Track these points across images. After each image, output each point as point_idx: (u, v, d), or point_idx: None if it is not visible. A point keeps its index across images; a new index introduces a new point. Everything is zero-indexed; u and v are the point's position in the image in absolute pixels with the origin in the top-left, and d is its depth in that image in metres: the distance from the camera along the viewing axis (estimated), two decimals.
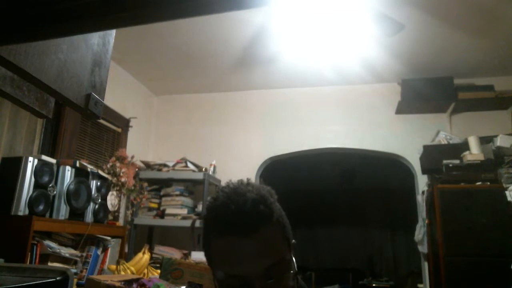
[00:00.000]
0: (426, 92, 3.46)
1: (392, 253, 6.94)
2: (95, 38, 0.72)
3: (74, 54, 0.66)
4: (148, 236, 3.79)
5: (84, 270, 2.44)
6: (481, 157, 2.95)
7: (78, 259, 2.35)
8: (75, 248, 2.42)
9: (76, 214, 2.46)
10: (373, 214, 7.06)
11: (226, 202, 0.72)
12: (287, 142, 3.92)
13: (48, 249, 2.16)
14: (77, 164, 2.49)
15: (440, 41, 3.04)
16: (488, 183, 2.86)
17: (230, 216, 0.70)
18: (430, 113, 3.65)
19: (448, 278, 2.71)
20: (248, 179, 0.79)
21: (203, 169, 3.59)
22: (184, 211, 3.47)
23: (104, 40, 0.75)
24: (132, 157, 3.47)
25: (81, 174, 2.51)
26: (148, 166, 3.71)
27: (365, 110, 3.82)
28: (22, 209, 2.09)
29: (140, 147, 3.96)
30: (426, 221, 3.11)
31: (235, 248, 0.69)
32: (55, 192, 2.31)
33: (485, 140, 3.12)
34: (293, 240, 0.79)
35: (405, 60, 3.34)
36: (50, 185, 2.27)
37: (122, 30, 0.69)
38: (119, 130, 3.67)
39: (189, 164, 3.61)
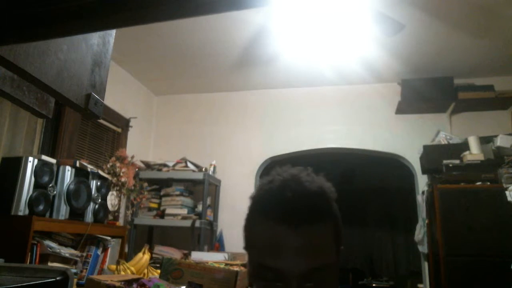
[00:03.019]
0: (426, 92, 3.46)
1: (392, 253, 6.94)
2: (95, 38, 0.72)
3: (74, 54, 0.66)
4: (148, 236, 3.79)
5: (84, 270, 2.44)
6: (481, 157, 2.95)
7: (78, 259, 2.35)
8: (75, 248, 2.42)
9: (76, 214, 2.46)
10: (373, 214, 7.06)
11: (283, 187, 0.65)
12: (287, 142, 3.92)
13: (48, 249, 2.16)
14: (77, 164, 2.49)
15: (440, 41, 3.04)
16: (488, 183, 2.86)
17: (284, 203, 0.63)
18: (430, 113, 3.65)
19: (448, 278, 2.71)
20: (308, 168, 0.71)
21: (203, 169, 3.59)
22: (184, 211, 3.47)
23: (104, 40, 0.75)
24: (132, 157, 3.47)
25: (81, 174, 2.51)
26: (148, 166, 3.71)
27: (365, 110, 3.82)
28: (22, 209, 2.09)
29: (140, 147, 3.96)
30: (426, 221, 3.11)
31: (281, 239, 0.61)
32: (55, 192, 2.31)
33: (485, 140, 3.12)
34: (342, 246, 0.71)
35: (405, 60, 3.34)
36: (50, 185, 2.27)
37: (122, 30, 0.69)
38: (119, 130, 3.68)
39: (189, 164, 3.61)
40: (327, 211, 0.66)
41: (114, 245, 2.71)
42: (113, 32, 0.78)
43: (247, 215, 0.71)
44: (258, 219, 0.66)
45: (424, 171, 3.39)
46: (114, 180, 3.14)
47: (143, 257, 2.81)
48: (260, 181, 0.70)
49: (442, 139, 3.35)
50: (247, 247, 0.71)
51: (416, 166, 3.54)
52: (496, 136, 3.11)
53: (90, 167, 2.62)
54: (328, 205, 0.66)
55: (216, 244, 3.63)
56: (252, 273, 0.66)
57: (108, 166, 3.18)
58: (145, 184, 3.60)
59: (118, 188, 3.19)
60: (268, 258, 0.62)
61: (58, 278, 1.00)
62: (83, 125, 3.17)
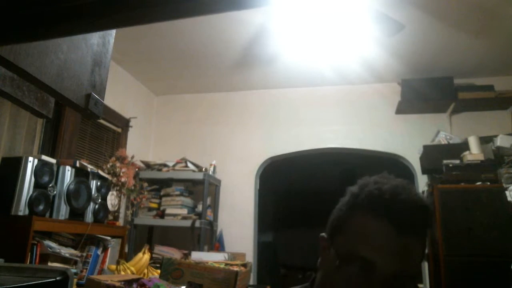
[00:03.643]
0: (426, 92, 3.46)
1: None
2: (95, 38, 0.72)
3: (74, 54, 0.66)
4: (148, 236, 3.79)
5: (84, 270, 2.44)
6: (481, 157, 2.95)
7: (78, 259, 2.34)
8: (75, 248, 2.42)
9: (76, 214, 2.46)
10: None
11: (395, 192, 0.67)
12: (287, 142, 3.92)
13: (48, 249, 2.15)
14: (77, 164, 2.49)
15: (440, 41, 3.04)
16: (488, 183, 2.86)
17: (398, 205, 0.66)
18: (430, 113, 3.65)
19: (448, 278, 2.71)
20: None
21: (203, 169, 3.59)
22: (184, 211, 3.47)
23: (104, 40, 0.75)
24: (132, 157, 3.47)
25: (81, 174, 2.51)
26: (148, 166, 3.71)
27: (365, 110, 3.82)
28: (22, 209, 2.09)
29: (140, 147, 3.96)
30: None
31: (385, 237, 0.65)
32: (55, 192, 2.31)
33: (485, 140, 3.12)
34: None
35: (405, 60, 3.34)
36: (50, 185, 2.27)
37: (122, 30, 0.69)
38: (119, 130, 3.68)
39: (189, 164, 3.61)
40: (429, 227, 0.69)
41: (114, 245, 2.71)
42: (113, 32, 0.78)
43: (345, 206, 0.73)
44: (364, 213, 0.69)
45: (424, 171, 3.38)
46: (114, 180, 3.14)
47: (143, 257, 2.81)
48: (361, 181, 0.74)
49: (442, 139, 3.35)
50: (336, 232, 0.73)
51: (416, 166, 3.53)
52: (496, 136, 3.11)
53: (90, 167, 2.62)
54: (431, 221, 0.71)
55: (216, 244, 3.63)
56: (338, 259, 0.68)
57: (108, 166, 3.18)
58: (145, 184, 3.60)
59: (118, 188, 3.19)
60: (367, 249, 0.65)
61: (58, 278, 1.00)
62: (83, 125, 3.17)
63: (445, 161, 3.01)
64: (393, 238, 0.65)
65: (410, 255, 0.65)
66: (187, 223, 3.37)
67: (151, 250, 3.04)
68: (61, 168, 2.38)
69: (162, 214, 3.52)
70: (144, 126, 4.09)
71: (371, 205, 0.68)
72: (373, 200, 0.68)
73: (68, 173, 2.40)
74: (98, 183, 2.67)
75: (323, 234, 0.77)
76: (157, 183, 3.68)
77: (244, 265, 2.48)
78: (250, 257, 3.56)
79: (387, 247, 0.65)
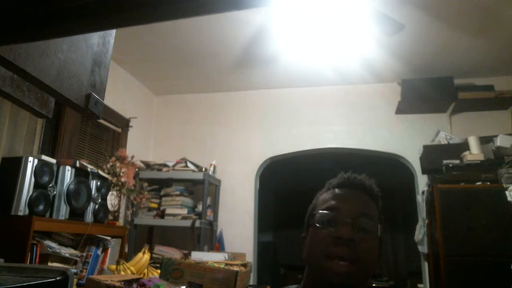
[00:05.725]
0: (426, 92, 3.46)
1: (392, 253, 6.94)
2: (95, 38, 0.72)
3: (74, 54, 0.66)
4: (148, 236, 3.79)
5: (84, 270, 2.44)
6: (481, 157, 2.95)
7: (78, 259, 2.34)
8: (75, 248, 2.41)
9: (76, 214, 2.46)
10: None
11: (353, 175, 0.94)
12: (287, 142, 3.92)
13: (48, 249, 2.15)
14: (77, 164, 2.49)
15: (440, 41, 3.04)
16: (488, 183, 2.86)
17: (353, 180, 0.92)
18: (430, 113, 3.65)
19: (448, 278, 2.71)
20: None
21: (203, 169, 3.59)
22: (184, 211, 3.47)
23: (104, 40, 0.75)
24: (132, 157, 3.47)
25: (81, 174, 2.51)
26: (148, 166, 3.71)
27: (365, 110, 3.82)
28: (22, 209, 2.09)
29: (140, 147, 3.96)
30: (426, 221, 3.11)
31: (345, 194, 0.90)
32: (55, 192, 2.31)
33: (485, 140, 3.12)
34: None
35: (405, 60, 3.34)
36: (50, 185, 2.27)
37: (122, 30, 0.69)
38: (119, 130, 3.67)
39: (189, 164, 3.61)
40: (379, 198, 0.93)
41: (114, 245, 2.71)
42: (113, 32, 0.78)
43: (321, 194, 0.96)
44: (328, 190, 0.94)
45: (424, 171, 3.38)
46: (114, 180, 3.14)
47: (143, 257, 2.81)
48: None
49: (442, 139, 3.35)
50: (312, 209, 0.93)
51: (416, 166, 3.53)
52: (496, 136, 3.11)
53: (90, 167, 2.62)
54: (379, 196, 0.93)
55: (216, 244, 3.63)
56: (314, 220, 0.88)
57: (108, 166, 3.18)
58: (145, 184, 3.60)
59: (118, 188, 3.19)
60: (334, 201, 0.88)
61: (58, 278, 1.00)
62: (83, 125, 3.17)
63: (445, 161, 3.01)
64: (348, 192, 0.91)
65: (363, 203, 0.88)
66: (187, 223, 3.37)
67: (151, 250, 3.04)
68: (61, 168, 2.38)
69: (162, 214, 3.52)
70: (144, 126, 4.09)
71: (334, 182, 0.94)
72: (335, 180, 0.95)
73: (68, 173, 2.40)
74: (98, 183, 2.67)
75: (303, 234, 0.95)
76: (157, 183, 3.68)
77: (244, 265, 2.48)
78: (250, 257, 3.55)
79: (346, 197, 0.89)
